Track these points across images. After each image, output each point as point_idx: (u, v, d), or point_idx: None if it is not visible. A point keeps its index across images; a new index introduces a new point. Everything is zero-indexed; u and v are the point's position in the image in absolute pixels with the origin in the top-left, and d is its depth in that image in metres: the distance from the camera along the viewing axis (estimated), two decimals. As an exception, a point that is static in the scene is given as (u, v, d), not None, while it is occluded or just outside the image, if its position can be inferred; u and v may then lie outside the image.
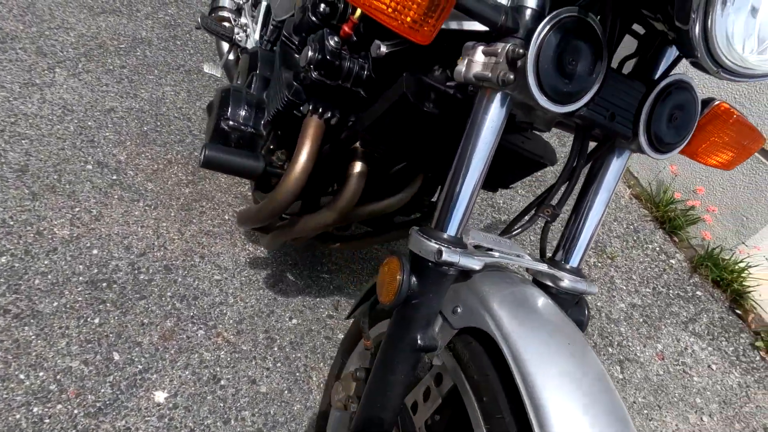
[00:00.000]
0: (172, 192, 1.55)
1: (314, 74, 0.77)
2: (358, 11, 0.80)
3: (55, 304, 1.15)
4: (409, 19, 0.47)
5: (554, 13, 0.49)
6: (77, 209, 1.37)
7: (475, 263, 0.54)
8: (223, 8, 1.57)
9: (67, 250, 1.26)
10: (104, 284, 1.23)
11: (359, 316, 0.81)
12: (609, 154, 0.63)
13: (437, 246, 0.53)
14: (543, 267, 0.63)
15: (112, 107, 1.72)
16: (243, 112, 0.98)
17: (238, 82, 1.28)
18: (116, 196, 1.45)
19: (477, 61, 0.53)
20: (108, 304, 1.19)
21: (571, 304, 0.64)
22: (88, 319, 1.15)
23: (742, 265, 1.96)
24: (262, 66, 1.10)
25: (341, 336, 1.36)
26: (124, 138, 1.64)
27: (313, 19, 0.84)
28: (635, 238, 2.18)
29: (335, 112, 0.83)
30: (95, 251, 1.29)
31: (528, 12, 0.52)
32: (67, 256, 1.24)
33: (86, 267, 1.24)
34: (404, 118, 0.68)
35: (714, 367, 1.66)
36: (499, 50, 0.51)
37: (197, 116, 1.85)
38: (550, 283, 0.62)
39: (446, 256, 0.52)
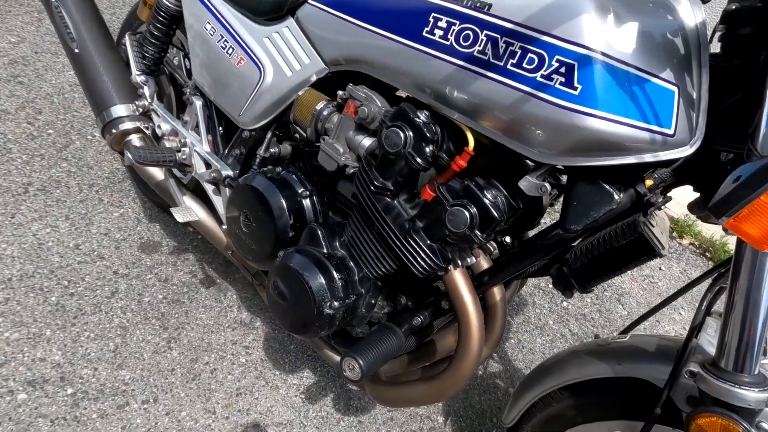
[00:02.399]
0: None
1: (479, 237, 0.65)
2: (472, 141, 0.70)
3: None
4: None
5: None
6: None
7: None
8: (121, 119, 1.17)
9: None
10: None
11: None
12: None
13: (766, 394, 0.55)
14: None
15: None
16: (340, 283, 0.78)
17: (239, 219, 1.01)
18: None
19: None
20: None
21: None
22: None
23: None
24: (300, 197, 0.90)
25: None
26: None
27: (420, 163, 0.70)
28: None
29: (479, 253, 0.73)
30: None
31: None
32: None
33: None
34: (630, 257, 0.64)
35: (663, 268, 2.09)
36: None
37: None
38: None
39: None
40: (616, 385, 0.78)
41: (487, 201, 0.65)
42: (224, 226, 1.11)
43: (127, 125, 1.16)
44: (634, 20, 0.57)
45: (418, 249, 0.71)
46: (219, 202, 1.12)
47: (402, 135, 0.69)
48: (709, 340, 0.66)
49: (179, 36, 1.30)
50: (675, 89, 0.58)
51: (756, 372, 0.58)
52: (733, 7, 0.58)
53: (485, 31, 0.64)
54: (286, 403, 1.22)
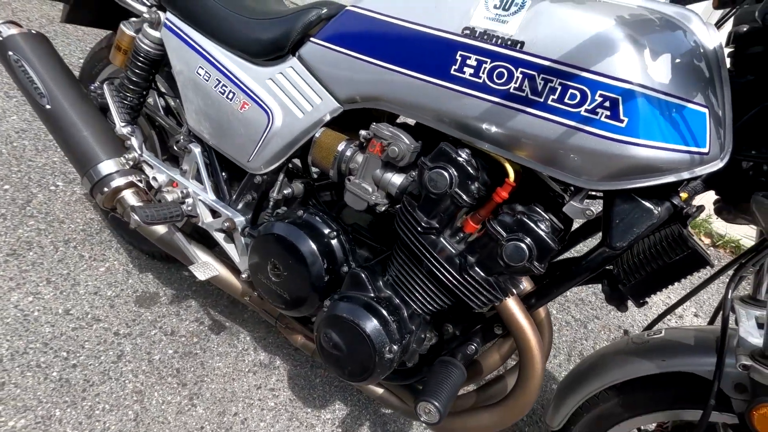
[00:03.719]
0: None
1: (539, 268, 0.67)
2: (512, 173, 0.72)
3: None
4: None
5: None
6: None
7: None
8: (111, 177, 1.09)
9: None
10: None
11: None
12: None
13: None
14: None
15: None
16: (394, 326, 0.77)
17: (255, 269, 0.98)
18: None
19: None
20: None
21: None
22: None
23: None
24: (327, 238, 0.89)
25: None
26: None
27: (467, 201, 0.71)
28: None
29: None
30: None
31: None
32: None
33: None
34: (685, 271, 0.68)
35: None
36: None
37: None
38: None
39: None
40: (662, 379, 0.83)
41: (542, 233, 0.67)
42: (244, 276, 1.07)
43: (119, 182, 1.09)
44: (663, 50, 0.61)
45: (474, 284, 0.72)
46: (232, 250, 1.08)
47: (447, 175, 0.70)
48: (748, 331, 0.72)
49: (158, 79, 1.23)
50: (706, 111, 0.62)
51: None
52: (744, 29, 0.63)
53: (520, 69, 0.65)
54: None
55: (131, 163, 1.11)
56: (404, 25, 0.75)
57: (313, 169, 0.95)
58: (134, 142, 1.13)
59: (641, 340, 0.88)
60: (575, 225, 0.95)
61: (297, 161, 1.27)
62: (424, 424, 1.28)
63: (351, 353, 0.79)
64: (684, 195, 0.68)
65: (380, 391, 1.03)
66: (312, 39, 0.89)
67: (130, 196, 1.09)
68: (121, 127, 1.12)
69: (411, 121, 0.85)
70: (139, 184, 1.11)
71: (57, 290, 1.40)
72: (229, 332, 1.42)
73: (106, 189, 1.08)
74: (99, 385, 1.21)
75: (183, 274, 1.56)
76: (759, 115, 0.64)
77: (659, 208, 0.67)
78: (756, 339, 0.68)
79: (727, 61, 0.68)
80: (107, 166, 1.09)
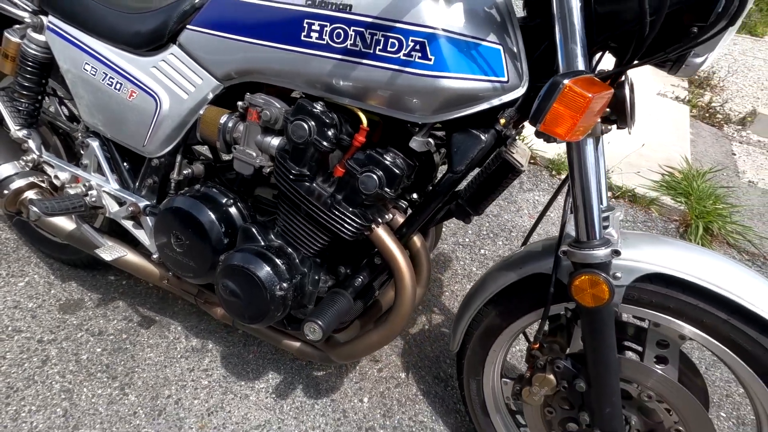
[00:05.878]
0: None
1: (389, 192, 0.79)
2: (365, 119, 0.84)
3: None
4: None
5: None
6: None
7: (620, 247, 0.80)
8: (10, 179, 1.12)
9: None
10: None
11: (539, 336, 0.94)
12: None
13: (611, 247, 0.77)
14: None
15: None
16: (283, 267, 0.87)
17: (162, 244, 1.05)
18: None
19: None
20: None
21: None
22: None
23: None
24: (225, 206, 0.97)
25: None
26: None
27: (326, 146, 0.83)
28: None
29: (395, 211, 0.87)
30: None
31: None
32: None
33: None
34: (504, 179, 0.83)
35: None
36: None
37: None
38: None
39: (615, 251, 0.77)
40: (523, 285, 0.98)
41: (388, 162, 0.79)
42: (155, 256, 1.12)
43: (19, 183, 1.12)
44: (458, 0, 0.75)
45: (343, 217, 0.83)
46: (142, 235, 1.14)
47: (306, 126, 0.81)
48: (571, 226, 0.87)
49: (51, 83, 1.26)
50: (500, 47, 0.76)
51: (601, 237, 0.80)
52: None
53: (352, 27, 0.78)
54: (259, 406, 1.27)
55: (30, 164, 1.14)
56: (261, 4, 0.86)
57: (225, 157, 1.03)
58: (32, 144, 1.16)
59: (509, 256, 1.03)
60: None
61: (206, 149, 1.34)
62: (353, 381, 1.38)
63: (246, 296, 0.88)
64: (503, 121, 0.83)
65: (297, 344, 1.12)
66: (188, 27, 0.98)
67: (33, 197, 1.12)
68: (16, 131, 1.15)
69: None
70: (42, 184, 1.14)
71: (-28, 309, 1.38)
72: (159, 325, 1.45)
73: (5, 192, 1.11)
74: (24, 390, 1.21)
75: (109, 278, 1.58)
76: (547, 50, 0.80)
77: (485, 135, 0.82)
78: (573, 231, 0.83)
79: (521, 8, 0.83)
80: (5, 170, 1.11)
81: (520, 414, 1.13)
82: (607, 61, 0.81)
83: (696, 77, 5.04)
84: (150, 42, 1.01)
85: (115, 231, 1.27)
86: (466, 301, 1.09)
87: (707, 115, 4.02)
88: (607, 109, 0.82)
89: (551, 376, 0.93)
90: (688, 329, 0.82)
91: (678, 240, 0.90)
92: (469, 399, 1.16)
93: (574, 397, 0.93)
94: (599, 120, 0.77)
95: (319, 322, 0.82)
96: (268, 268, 0.85)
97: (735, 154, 3.48)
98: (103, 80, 1.04)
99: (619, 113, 0.78)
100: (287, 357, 1.41)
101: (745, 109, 4.23)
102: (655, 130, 3.45)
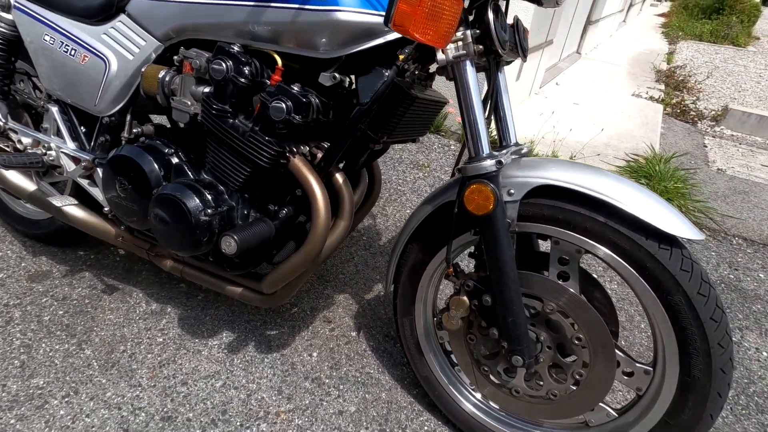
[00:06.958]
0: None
1: (297, 118, 0.88)
2: (279, 60, 0.94)
3: None
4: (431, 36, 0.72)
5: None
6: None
7: (509, 158, 0.88)
8: (-23, 143, 1.23)
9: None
10: None
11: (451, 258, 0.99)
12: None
13: (495, 159, 0.84)
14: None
15: None
16: (209, 196, 0.95)
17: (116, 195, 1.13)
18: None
19: (450, 48, 0.82)
20: None
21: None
22: None
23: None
24: (166, 156, 1.06)
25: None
26: None
27: (243, 81, 0.92)
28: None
29: (311, 143, 0.96)
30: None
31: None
32: None
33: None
34: (398, 104, 0.91)
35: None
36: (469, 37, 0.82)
37: None
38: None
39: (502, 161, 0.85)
40: (440, 217, 1.04)
41: (295, 92, 0.89)
42: (106, 209, 1.21)
43: (-14, 146, 1.22)
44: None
45: (258, 144, 0.92)
46: (98, 192, 1.23)
47: (224, 64, 0.91)
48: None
49: (22, 64, 1.39)
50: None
51: (486, 152, 0.87)
52: None
53: (263, -24, 0.88)
54: (210, 359, 1.32)
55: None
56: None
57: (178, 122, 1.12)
58: (-2, 113, 1.27)
59: (434, 192, 1.10)
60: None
61: (164, 120, 1.44)
62: (305, 339, 1.43)
63: (174, 222, 0.96)
64: (401, 57, 0.92)
65: (239, 290, 1.18)
66: (133, -4, 1.10)
67: (-3, 158, 1.22)
68: (-17, 101, 1.26)
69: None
70: (6, 149, 1.24)
71: (-55, 279, 1.46)
72: (122, 292, 1.52)
73: (-28, 154, 1.20)
74: (-15, 346, 1.28)
75: (78, 253, 1.66)
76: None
77: (387, 70, 0.91)
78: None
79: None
80: (-27, 134, 1.22)
81: (455, 354, 1.18)
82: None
83: (673, 80, 5.18)
84: (101, 12, 1.13)
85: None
86: (395, 240, 1.16)
87: (680, 111, 4.12)
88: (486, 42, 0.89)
89: (464, 297, 0.99)
90: (576, 238, 0.88)
91: (573, 161, 0.97)
92: (404, 340, 1.21)
93: (486, 315, 0.98)
94: (481, 47, 0.86)
95: (235, 237, 0.89)
96: (194, 196, 0.94)
97: (706, 146, 3.56)
98: (59, 48, 1.16)
99: (491, 41, 0.86)
100: (242, 319, 1.47)
101: (721, 107, 4.34)
102: (625, 124, 3.55)
